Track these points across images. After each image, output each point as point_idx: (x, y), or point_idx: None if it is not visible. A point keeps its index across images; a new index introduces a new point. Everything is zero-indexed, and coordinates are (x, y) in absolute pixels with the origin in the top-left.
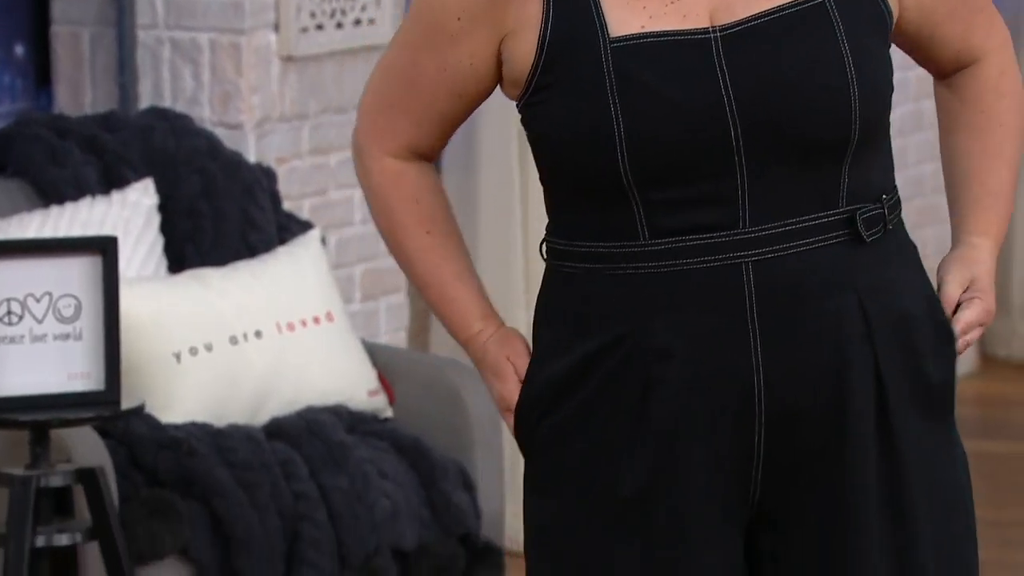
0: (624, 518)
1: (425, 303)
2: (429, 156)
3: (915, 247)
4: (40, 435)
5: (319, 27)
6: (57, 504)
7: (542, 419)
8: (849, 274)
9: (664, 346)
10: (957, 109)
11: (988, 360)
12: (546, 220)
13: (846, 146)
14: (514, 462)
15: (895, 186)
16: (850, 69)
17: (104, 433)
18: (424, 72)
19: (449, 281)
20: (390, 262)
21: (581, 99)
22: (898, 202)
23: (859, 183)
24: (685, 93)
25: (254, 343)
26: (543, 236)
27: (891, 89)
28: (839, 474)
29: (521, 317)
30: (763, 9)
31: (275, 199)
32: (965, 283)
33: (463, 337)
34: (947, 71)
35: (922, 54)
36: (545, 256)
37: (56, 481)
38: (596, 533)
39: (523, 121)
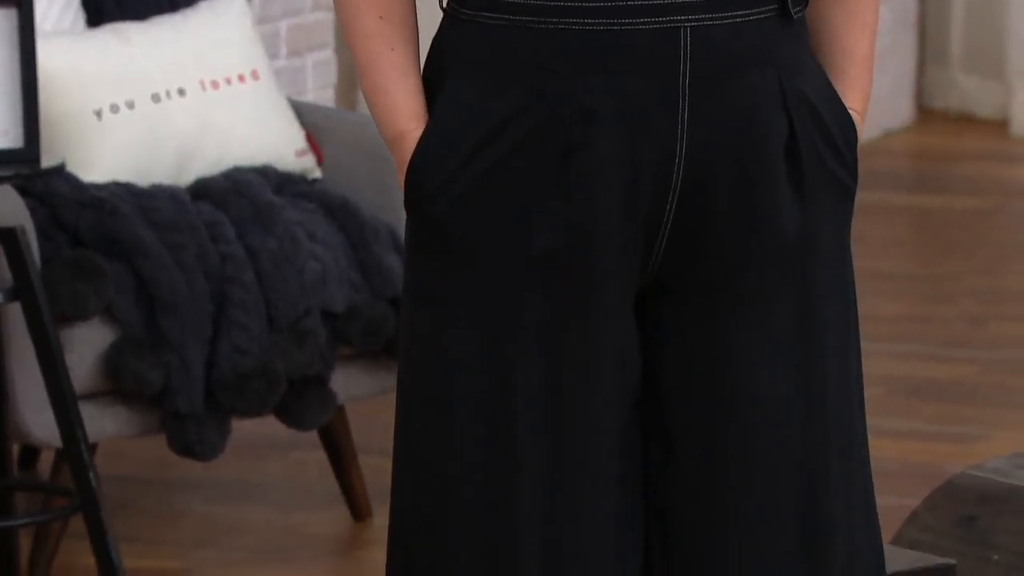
0: (532, 277)
1: (361, 90)
2: None
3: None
4: None
5: None
6: None
7: (449, 184)
8: (771, 49)
9: (590, 107)
10: None
11: (925, 112)
12: None
13: None
14: None
15: None
16: None
17: (24, 192)
18: None
19: (388, 72)
20: (316, 16)
21: None
22: None
23: None
24: None
25: (177, 101)
26: None
27: None
28: (744, 246)
29: None
30: None
31: None
32: None
33: (389, 134)
34: None
35: None
36: (453, 5)
37: None
38: (501, 295)
39: None
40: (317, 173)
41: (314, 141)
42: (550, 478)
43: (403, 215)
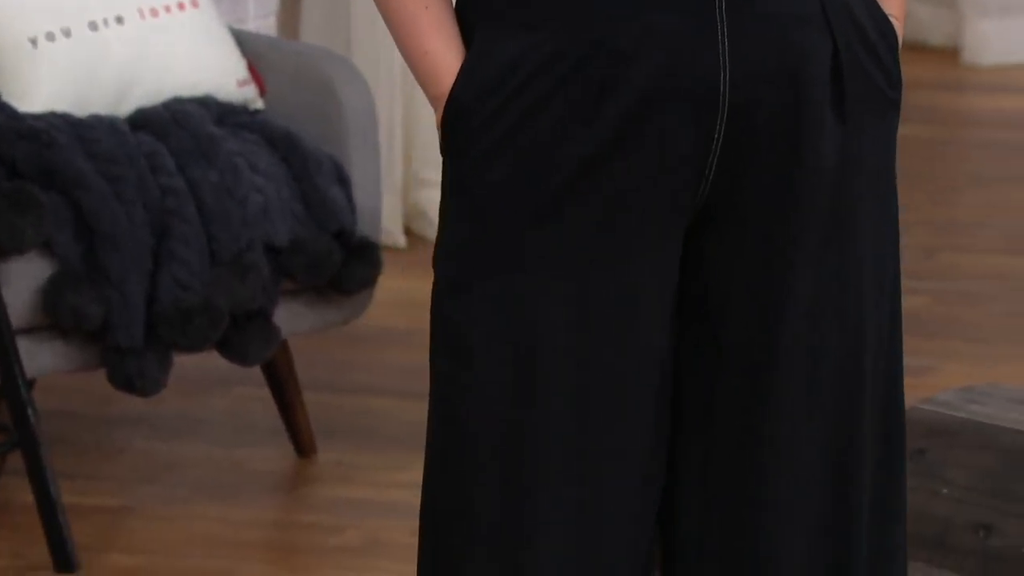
0: (568, 197)
1: (398, 49)
2: None
3: None
4: None
5: None
6: None
7: (486, 129)
8: None
9: (629, 49)
10: None
11: None
12: None
13: None
14: (390, 157)
15: None
16: None
17: None
18: None
19: (426, 31)
20: None
21: None
22: None
23: None
24: None
25: (115, 29)
26: None
27: None
28: (791, 169)
29: None
30: None
31: None
32: None
33: (434, 92)
34: None
35: None
36: None
37: None
38: (535, 235)
39: None
40: (259, 104)
41: (256, 71)
42: (575, 422)
43: (347, 147)
